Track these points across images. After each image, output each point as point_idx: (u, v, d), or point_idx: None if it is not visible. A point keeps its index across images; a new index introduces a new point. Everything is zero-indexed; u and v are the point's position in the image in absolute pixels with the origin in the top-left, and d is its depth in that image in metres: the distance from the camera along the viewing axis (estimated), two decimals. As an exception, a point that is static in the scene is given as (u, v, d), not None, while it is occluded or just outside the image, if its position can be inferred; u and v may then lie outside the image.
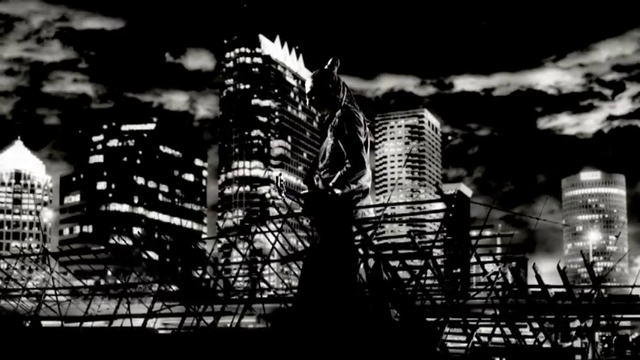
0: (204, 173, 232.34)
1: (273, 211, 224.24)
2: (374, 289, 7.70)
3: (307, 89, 7.91)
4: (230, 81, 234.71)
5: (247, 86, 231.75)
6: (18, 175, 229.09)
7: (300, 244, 9.81)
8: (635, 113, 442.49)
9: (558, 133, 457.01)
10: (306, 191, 7.67)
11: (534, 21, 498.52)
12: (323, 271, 7.41)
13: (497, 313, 9.47)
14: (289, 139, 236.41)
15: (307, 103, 8.02)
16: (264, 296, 15.94)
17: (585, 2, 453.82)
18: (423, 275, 9.06)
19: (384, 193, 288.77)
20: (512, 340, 9.71)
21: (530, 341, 9.74)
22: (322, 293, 7.35)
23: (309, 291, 7.50)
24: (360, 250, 7.70)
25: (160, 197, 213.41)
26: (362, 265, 7.68)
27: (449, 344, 9.78)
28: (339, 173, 7.40)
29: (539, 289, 9.73)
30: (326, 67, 7.82)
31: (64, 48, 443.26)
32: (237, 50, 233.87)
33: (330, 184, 7.41)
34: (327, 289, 7.34)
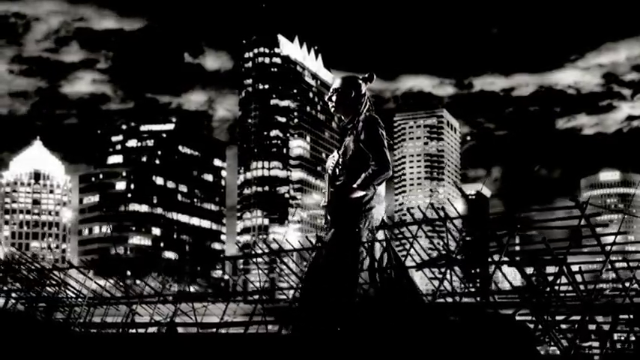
0: (223, 173, 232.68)
1: (291, 212, 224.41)
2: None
3: (332, 86, 7.78)
4: (249, 81, 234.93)
5: (266, 86, 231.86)
6: (37, 176, 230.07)
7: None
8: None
9: (577, 133, 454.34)
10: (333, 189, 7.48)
11: (554, 21, 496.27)
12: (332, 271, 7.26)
13: (631, 317, 9.33)
14: (308, 139, 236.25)
15: (326, 97, 7.87)
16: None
17: (604, 2, 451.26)
18: (558, 281, 8.91)
19: (403, 193, 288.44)
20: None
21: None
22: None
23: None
24: (378, 253, 7.44)
25: (179, 197, 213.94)
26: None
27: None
28: (363, 175, 7.20)
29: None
30: (360, 76, 7.69)
31: (82, 48, 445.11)
32: (255, 50, 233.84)
33: (355, 185, 7.20)
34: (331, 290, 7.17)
